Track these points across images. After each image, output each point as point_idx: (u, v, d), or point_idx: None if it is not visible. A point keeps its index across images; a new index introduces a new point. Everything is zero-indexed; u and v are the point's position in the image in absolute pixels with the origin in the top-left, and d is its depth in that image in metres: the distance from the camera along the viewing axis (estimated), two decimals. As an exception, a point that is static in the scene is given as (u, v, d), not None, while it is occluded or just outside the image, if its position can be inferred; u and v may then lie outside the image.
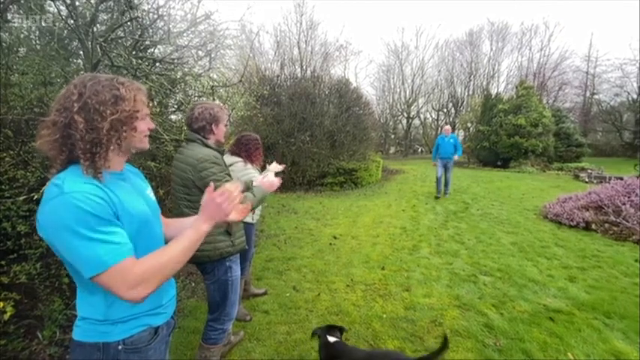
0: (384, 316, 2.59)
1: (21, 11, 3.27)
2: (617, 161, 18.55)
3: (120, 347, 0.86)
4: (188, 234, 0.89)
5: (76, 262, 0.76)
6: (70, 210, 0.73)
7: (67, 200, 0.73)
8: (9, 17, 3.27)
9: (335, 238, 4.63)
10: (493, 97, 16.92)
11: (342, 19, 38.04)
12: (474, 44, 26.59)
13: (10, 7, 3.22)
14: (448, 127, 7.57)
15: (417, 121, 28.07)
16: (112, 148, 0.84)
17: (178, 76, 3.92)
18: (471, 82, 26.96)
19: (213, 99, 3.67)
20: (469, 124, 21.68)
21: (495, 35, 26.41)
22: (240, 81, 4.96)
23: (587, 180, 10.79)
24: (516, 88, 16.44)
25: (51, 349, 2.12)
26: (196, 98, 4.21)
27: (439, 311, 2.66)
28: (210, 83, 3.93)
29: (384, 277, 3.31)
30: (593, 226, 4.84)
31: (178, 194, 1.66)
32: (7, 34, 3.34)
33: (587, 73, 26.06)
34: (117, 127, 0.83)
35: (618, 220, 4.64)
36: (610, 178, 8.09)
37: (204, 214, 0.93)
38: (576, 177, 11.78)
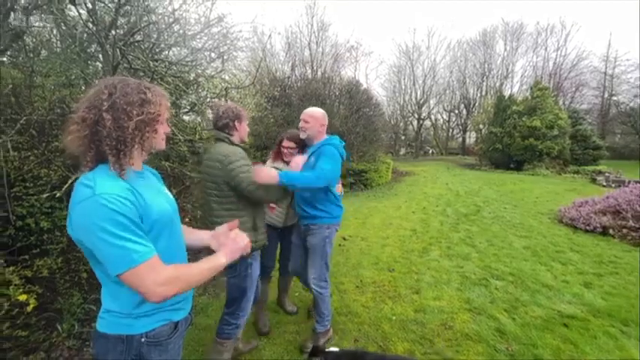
0: (394, 318, 2.59)
1: (43, 15, 3.40)
2: (637, 164, 17.91)
3: (143, 340, 0.90)
4: (212, 261, 0.96)
5: (107, 260, 0.79)
6: (102, 211, 0.77)
7: (99, 201, 0.77)
8: (32, 21, 3.41)
9: (344, 239, 4.64)
10: (506, 98, 16.60)
11: (353, 20, 37.99)
12: (487, 44, 26.21)
13: (34, 11, 3.35)
14: (313, 110, 2.15)
15: (427, 123, 27.81)
16: (135, 147, 0.88)
17: (191, 78, 4.00)
18: (484, 83, 26.57)
19: (226, 100, 3.73)
20: (481, 126, 21.32)
21: (510, 35, 25.99)
22: (253, 83, 5.03)
23: (604, 184, 10.49)
24: (531, 89, 16.12)
25: (70, 341, 2.20)
26: (209, 99, 4.29)
27: (449, 314, 2.64)
28: (223, 85, 4.00)
29: (393, 279, 3.30)
30: (611, 231, 4.70)
31: (209, 191, 1.74)
32: (30, 37, 3.48)
33: (605, 73, 25.34)
34: (141, 127, 0.87)
35: (637, 226, 4.50)
36: (629, 182, 7.83)
37: (225, 250, 1.01)
38: (593, 180, 11.46)
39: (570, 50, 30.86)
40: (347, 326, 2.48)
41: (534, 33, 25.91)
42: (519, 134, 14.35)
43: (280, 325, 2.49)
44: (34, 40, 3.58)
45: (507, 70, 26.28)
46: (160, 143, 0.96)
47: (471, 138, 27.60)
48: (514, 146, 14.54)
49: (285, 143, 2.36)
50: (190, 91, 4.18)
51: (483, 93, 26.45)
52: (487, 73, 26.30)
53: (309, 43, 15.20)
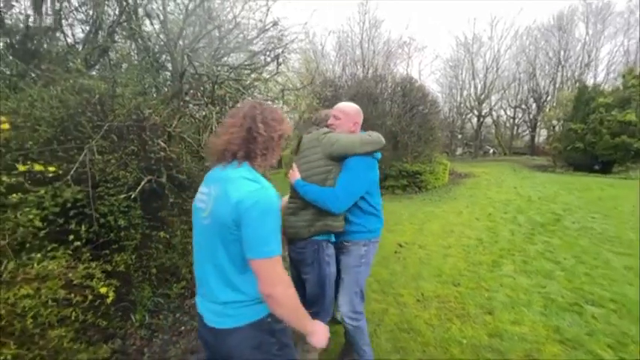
0: (464, 341, 2.28)
1: (124, 32, 3.78)
2: None
3: (269, 319, 1.03)
4: (308, 319, 1.05)
5: (253, 242, 0.93)
6: (270, 201, 0.97)
7: (268, 194, 0.97)
8: (115, 38, 3.81)
9: (400, 246, 4.35)
10: (590, 89, 14.33)
11: (406, 14, 36.55)
12: (563, 29, 22.97)
13: (117, 29, 3.74)
14: (345, 105, 1.93)
15: (488, 120, 25.43)
16: (273, 153, 1.10)
17: (249, 82, 4.12)
18: (559, 74, 23.36)
19: (283, 102, 3.75)
20: (555, 122, 18.77)
21: (593, 17, 22.44)
22: (306, 85, 5.02)
23: None
24: (623, 77, 13.72)
25: (141, 331, 2.36)
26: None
27: (534, 344, 2.24)
28: (279, 87, 4.03)
29: (459, 295, 2.95)
30: None
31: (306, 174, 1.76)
32: (113, 52, 3.89)
33: None
34: (278, 139, 1.10)
35: None
36: None
37: (318, 331, 1.06)
38: None
39: (676, 28, 25.48)
40: (409, 345, 2.26)
41: (625, 12, 21.90)
42: (608, 131, 12.25)
43: (335, 337, 2.36)
44: (117, 54, 4.00)
45: (589, 56, 22.70)
46: (274, 160, 1.14)
47: (542, 136, 24.53)
48: (600, 145, 12.45)
49: None
50: (248, 94, 4.31)
51: (557, 85, 23.28)
52: (563, 62, 23.06)
53: (360, 42, 14.92)
